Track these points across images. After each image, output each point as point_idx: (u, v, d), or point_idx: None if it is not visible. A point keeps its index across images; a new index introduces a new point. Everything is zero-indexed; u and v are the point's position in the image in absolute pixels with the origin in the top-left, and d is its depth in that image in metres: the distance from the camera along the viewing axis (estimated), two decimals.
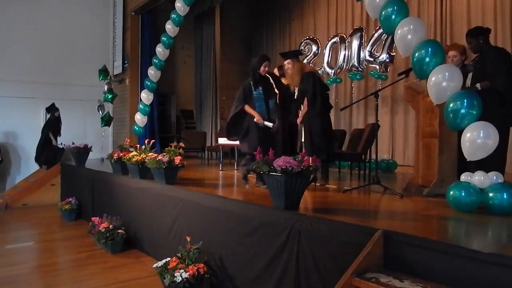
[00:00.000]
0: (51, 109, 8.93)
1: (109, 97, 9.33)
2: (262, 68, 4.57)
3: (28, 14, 9.54)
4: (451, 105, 3.17)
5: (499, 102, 3.88)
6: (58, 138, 8.87)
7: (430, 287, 1.97)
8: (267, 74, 4.70)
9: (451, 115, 3.17)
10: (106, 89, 9.37)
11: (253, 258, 3.15)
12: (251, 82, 4.60)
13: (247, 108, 4.57)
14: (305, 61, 8.86)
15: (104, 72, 9.41)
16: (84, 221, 6.47)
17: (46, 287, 3.82)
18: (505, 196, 2.87)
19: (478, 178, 3.03)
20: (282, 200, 3.02)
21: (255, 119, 4.50)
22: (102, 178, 6.26)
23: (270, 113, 4.61)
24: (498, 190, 2.91)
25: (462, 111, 3.09)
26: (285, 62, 4.84)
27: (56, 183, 8.15)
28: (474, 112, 3.09)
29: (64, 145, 8.68)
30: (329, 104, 4.98)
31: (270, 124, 4.50)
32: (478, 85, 3.96)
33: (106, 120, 9.30)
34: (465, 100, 3.10)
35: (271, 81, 4.75)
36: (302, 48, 9.30)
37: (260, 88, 4.61)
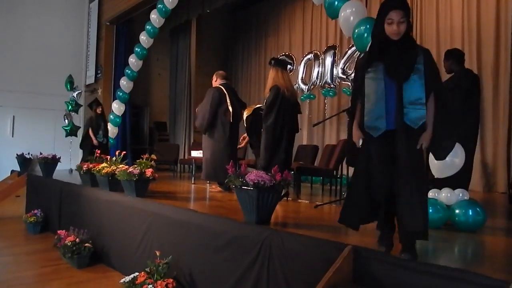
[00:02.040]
0: (92, 104, 8.34)
1: (70, 107, 9.08)
2: None
3: (0, 22, 9.31)
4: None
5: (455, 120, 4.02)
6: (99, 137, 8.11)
7: None
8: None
9: None
10: (70, 99, 9.13)
11: (224, 273, 3.12)
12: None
13: None
14: None
15: (69, 82, 9.16)
16: (50, 234, 6.25)
17: None
18: (470, 213, 2.95)
19: (445, 195, 3.11)
20: (253, 215, 3.01)
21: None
22: (70, 189, 6.09)
23: None
24: (464, 207, 2.99)
25: None
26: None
27: (21, 195, 7.86)
28: None
29: (32, 155, 8.41)
30: (295, 126, 4.89)
31: None
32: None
33: (69, 130, 9.06)
34: None
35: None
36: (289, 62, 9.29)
37: None
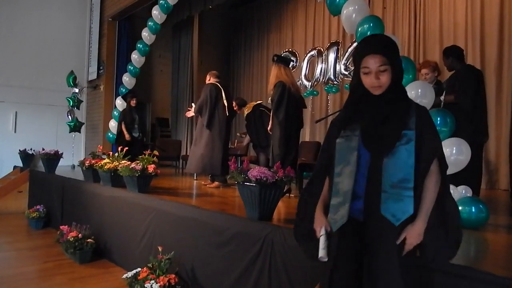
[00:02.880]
0: (127, 95, 7.83)
1: (72, 103, 9.10)
2: None
3: (2, 17, 9.31)
4: None
5: (466, 120, 4.00)
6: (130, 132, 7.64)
7: None
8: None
9: None
10: (72, 95, 9.14)
11: (226, 269, 3.12)
12: None
13: None
14: None
15: (72, 78, 9.18)
16: (52, 230, 6.28)
17: None
18: (473, 210, 2.93)
19: None
20: (256, 211, 3.01)
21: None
22: (72, 185, 6.10)
23: None
24: (466, 203, 2.98)
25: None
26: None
27: (24, 190, 7.89)
28: (447, 129, 3.17)
29: (34, 151, 8.43)
30: (300, 121, 4.91)
31: None
32: (442, 97, 4.09)
33: (73, 126, 9.09)
34: (438, 118, 3.17)
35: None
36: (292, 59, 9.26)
37: None
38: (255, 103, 6.26)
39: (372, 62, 1.64)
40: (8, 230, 6.42)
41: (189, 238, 3.59)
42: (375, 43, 1.69)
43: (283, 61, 4.98)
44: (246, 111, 6.17)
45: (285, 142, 4.66)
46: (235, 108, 6.10)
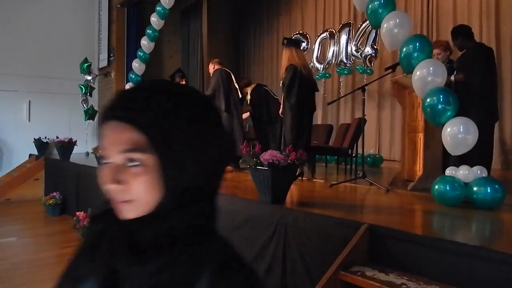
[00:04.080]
0: (175, 75, 7.20)
1: (84, 90, 9.14)
2: None
3: (12, 7, 9.34)
4: (427, 100, 3.20)
5: (476, 99, 3.94)
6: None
7: (415, 280, 1.98)
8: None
9: (428, 110, 3.20)
10: (84, 82, 9.18)
11: (239, 252, 3.14)
12: None
13: None
14: None
15: (86, 64, 9.21)
16: (68, 216, 6.38)
17: (29, 283, 3.75)
18: (488, 190, 2.90)
19: (462, 173, 3.06)
20: (268, 194, 3.01)
21: None
22: (87, 172, 6.17)
23: None
24: (482, 184, 2.94)
25: (438, 107, 3.12)
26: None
27: (40, 178, 8.02)
28: (450, 108, 3.12)
29: (48, 139, 8.53)
30: (312, 105, 4.87)
31: None
32: (452, 77, 4.03)
33: (90, 114, 9.17)
34: (441, 96, 3.13)
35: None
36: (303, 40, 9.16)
37: None
38: (258, 83, 6.43)
39: (111, 141, 0.68)
40: (26, 217, 6.56)
41: None
42: (125, 100, 0.67)
43: (294, 44, 4.93)
44: (249, 89, 6.30)
45: (296, 126, 4.63)
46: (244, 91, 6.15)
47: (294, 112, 4.63)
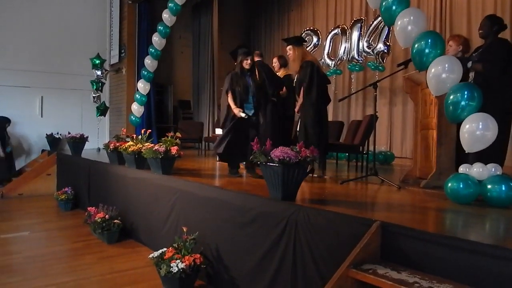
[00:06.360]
0: (236, 53, 5.30)
1: (95, 86, 9.19)
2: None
3: (25, 4, 9.43)
4: (451, 97, 3.13)
5: (494, 94, 3.85)
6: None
7: (428, 279, 1.96)
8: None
9: (451, 107, 3.13)
10: (95, 78, 9.23)
11: (250, 249, 3.14)
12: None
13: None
14: None
15: (99, 60, 9.24)
16: (80, 211, 6.45)
17: (41, 277, 3.79)
18: (503, 188, 2.85)
19: (476, 170, 3.02)
20: (279, 191, 3.00)
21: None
22: (98, 168, 6.22)
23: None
24: (496, 182, 2.90)
25: (462, 103, 3.06)
26: (287, 48, 4.90)
27: (52, 173, 8.11)
28: (474, 104, 3.06)
29: (60, 134, 8.61)
30: (327, 97, 4.97)
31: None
32: (469, 64, 3.96)
33: (102, 110, 9.24)
34: (465, 92, 3.06)
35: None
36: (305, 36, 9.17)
37: None
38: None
39: None
40: (38, 212, 6.64)
41: (213, 218, 3.62)
42: None
43: (303, 41, 5.00)
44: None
45: (319, 120, 4.70)
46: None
47: (315, 108, 4.68)
